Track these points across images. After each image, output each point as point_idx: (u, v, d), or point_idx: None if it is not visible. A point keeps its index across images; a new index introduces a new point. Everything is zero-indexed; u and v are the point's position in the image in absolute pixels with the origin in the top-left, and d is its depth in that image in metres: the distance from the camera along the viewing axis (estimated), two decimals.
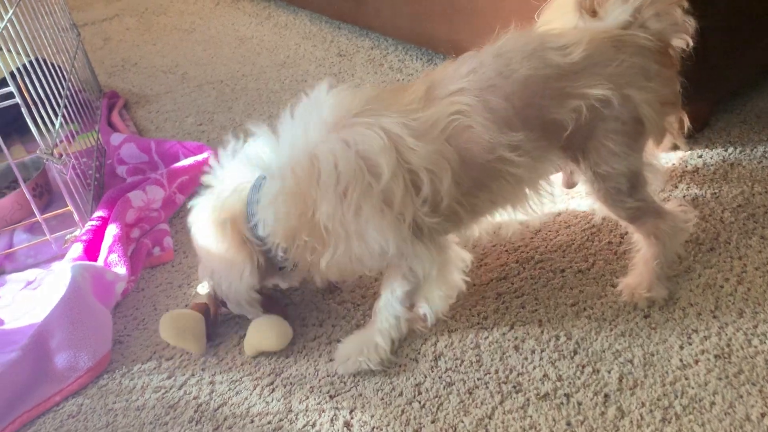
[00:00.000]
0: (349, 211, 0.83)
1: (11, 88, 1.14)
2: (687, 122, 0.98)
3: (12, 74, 1.18)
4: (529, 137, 0.84)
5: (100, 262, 1.14)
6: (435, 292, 0.94)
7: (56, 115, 1.33)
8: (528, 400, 0.85)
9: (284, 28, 2.16)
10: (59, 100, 1.38)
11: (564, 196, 1.17)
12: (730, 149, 1.20)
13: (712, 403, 0.81)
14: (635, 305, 0.94)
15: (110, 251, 1.15)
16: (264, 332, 0.97)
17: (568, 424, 0.81)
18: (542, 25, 0.95)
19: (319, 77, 1.79)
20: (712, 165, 1.17)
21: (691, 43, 0.90)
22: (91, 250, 1.19)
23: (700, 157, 1.20)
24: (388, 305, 0.93)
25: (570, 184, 1.17)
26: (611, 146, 0.87)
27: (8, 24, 1.26)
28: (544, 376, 0.88)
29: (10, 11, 1.28)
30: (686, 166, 1.18)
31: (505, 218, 0.96)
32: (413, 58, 1.78)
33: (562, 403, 0.84)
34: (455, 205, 0.87)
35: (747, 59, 1.25)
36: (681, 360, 0.86)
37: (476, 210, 0.91)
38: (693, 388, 0.83)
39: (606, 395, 0.84)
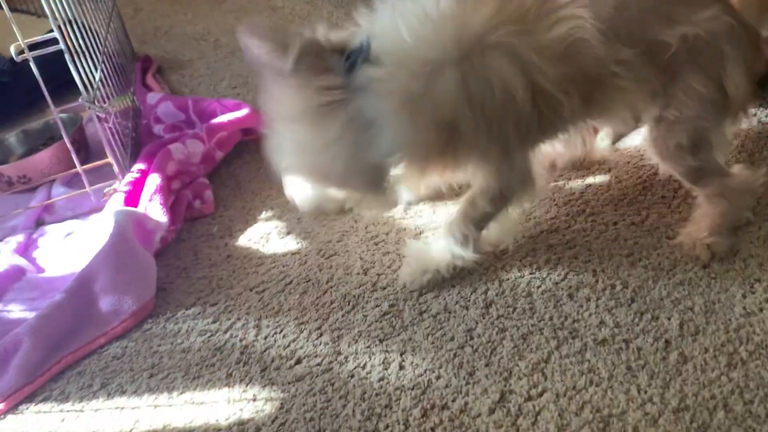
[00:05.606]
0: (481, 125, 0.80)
1: (56, 34, 1.13)
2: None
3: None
4: (635, 52, 0.82)
5: (140, 210, 1.13)
6: (504, 223, 0.94)
7: (96, 69, 1.32)
8: (585, 345, 0.83)
9: None
10: (98, 56, 1.37)
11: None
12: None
13: None
14: (696, 257, 0.91)
15: (151, 199, 1.14)
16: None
17: (629, 368, 0.79)
18: None
19: None
20: (767, 123, 1.14)
21: None
22: (132, 201, 1.18)
23: (754, 115, 1.16)
24: (461, 223, 0.92)
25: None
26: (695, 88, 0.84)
27: None
28: (600, 323, 0.85)
29: None
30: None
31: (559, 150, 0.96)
32: None
33: (621, 348, 0.82)
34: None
35: None
36: (744, 308, 0.84)
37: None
38: (758, 334, 0.80)
39: (667, 341, 0.81)
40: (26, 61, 1.13)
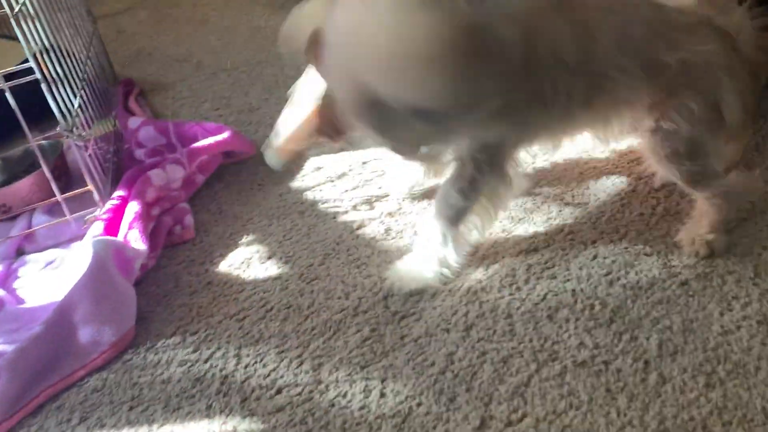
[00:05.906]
0: None
1: (31, 63, 1.13)
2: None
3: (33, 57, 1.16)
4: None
5: (120, 238, 1.13)
6: (474, 218, 0.97)
7: (75, 96, 1.31)
8: (565, 367, 0.83)
9: None
10: (78, 83, 1.37)
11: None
12: (761, 120, 1.17)
13: (757, 368, 0.78)
14: (695, 253, 0.93)
15: (130, 227, 1.14)
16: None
17: (608, 390, 0.79)
18: None
19: None
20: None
21: None
22: (112, 229, 1.18)
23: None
24: (436, 221, 0.96)
25: None
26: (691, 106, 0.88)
27: (25, 6, 1.24)
28: (580, 344, 0.85)
29: None
30: None
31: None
32: None
33: (600, 370, 0.82)
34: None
35: None
36: (722, 326, 0.84)
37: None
38: (736, 353, 0.80)
39: (646, 362, 0.81)
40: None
